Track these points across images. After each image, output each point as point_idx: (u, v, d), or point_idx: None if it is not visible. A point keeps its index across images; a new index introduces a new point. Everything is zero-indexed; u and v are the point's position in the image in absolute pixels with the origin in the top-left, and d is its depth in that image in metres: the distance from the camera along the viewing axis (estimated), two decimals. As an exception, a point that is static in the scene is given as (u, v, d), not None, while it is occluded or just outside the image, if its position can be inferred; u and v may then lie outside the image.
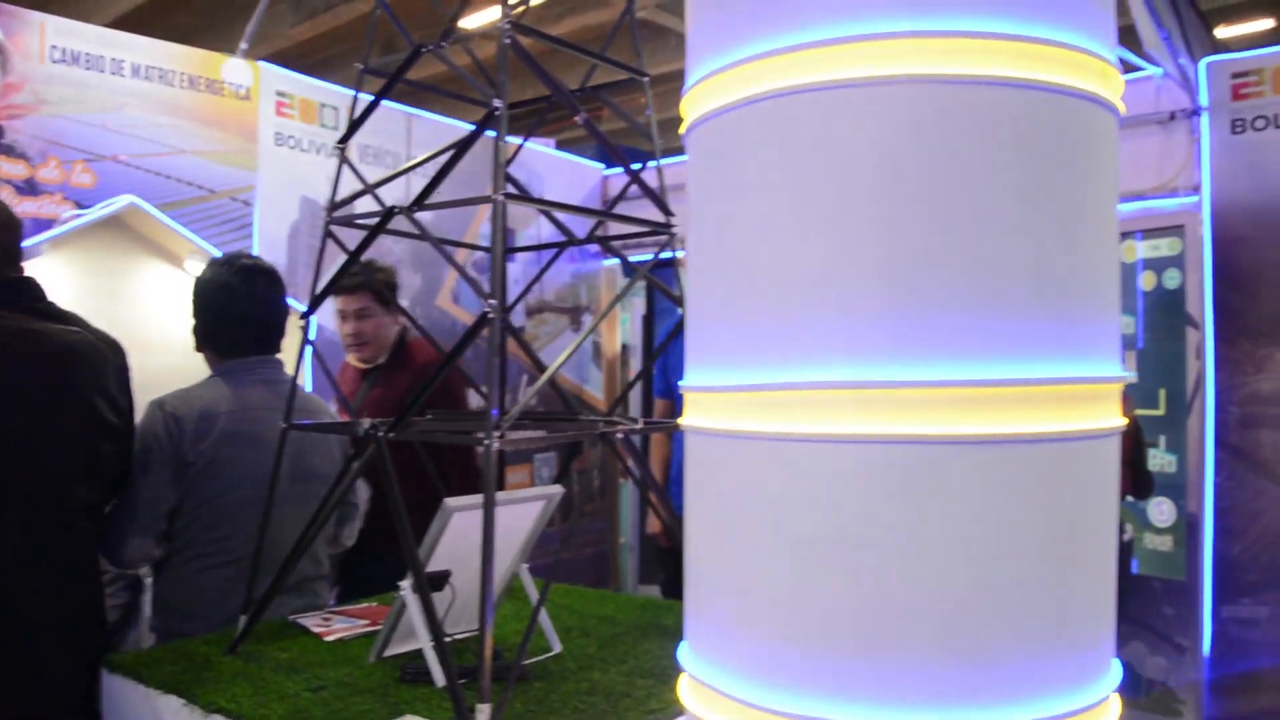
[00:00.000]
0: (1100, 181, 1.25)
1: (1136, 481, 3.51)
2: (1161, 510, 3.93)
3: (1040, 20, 1.18)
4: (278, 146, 3.79)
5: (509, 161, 2.20)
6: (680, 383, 1.32)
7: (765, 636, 1.19)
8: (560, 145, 5.06)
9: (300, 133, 3.88)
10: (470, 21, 8.45)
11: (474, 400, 4.15)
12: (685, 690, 1.32)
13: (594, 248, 4.90)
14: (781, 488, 1.17)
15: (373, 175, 3.07)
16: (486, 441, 1.49)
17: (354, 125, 1.91)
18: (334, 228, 1.95)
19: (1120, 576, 3.69)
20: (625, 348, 5.38)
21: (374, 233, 1.80)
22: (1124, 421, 1.29)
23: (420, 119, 4.20)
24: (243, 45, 3.60)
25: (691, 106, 1.31)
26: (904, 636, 1.12)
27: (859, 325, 1.13)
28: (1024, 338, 1.15)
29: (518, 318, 4.74)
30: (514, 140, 2.37)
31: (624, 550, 5.44)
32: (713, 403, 1.25)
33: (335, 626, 2.07)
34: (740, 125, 1.22)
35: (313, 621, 2.11)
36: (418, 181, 4.16)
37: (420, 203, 1.71)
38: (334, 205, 1.92)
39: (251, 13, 3.85)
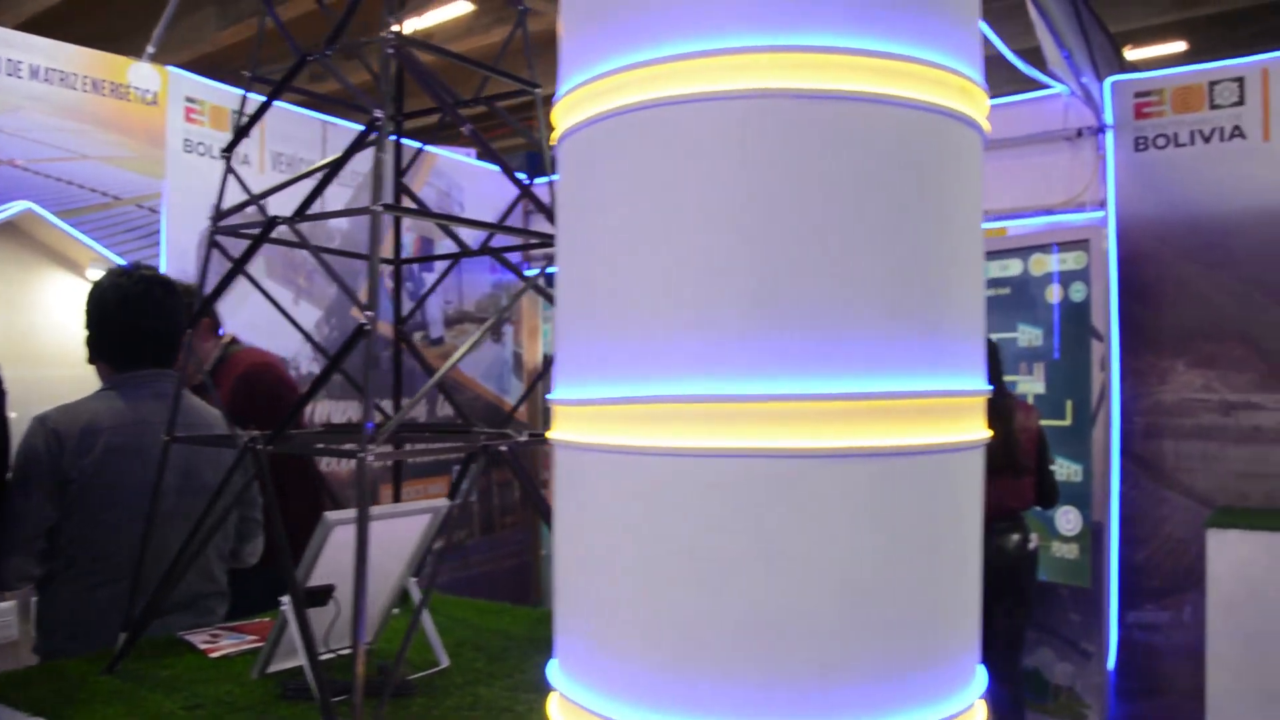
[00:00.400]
0: (962, 198, 1.26)
1: (1042, 491, 3.58)
2: (1068, 519, 4.01)
3: (900, 37, 1.19)
4: (187, 153, 3.72)
5: (404, 171, 2.19)
6: (548, 396, 1.32)
7: (626, 653, 1.18)
8: (482, 156, 5.04)
9: (211, 139, 3.81)
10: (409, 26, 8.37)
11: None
12: (555, 708, 1.31)
13: (516, 257, 4.88)
14: (641, 502, 1.16)
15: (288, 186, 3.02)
16: (360, 454, 1.47)
17: (239, 133, 1.88)
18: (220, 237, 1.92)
19: (1026, 585, 3.75)
20: (547, 359, 5.36)
21: (257, 242, 1.78)
22: (987, 434, 1.31)
23: (335, 127, 4.16)
24: (149, 49, 3.53)
25: (561, 118, 1.31)
26: (763, 652, 1.12)
27: (717, 339, 1.13)
28: (882, 352, 1.15)
29: (436, 329, 4.70)
30: (419, 145, 2.36)
31: (545, 562, 5.41)
32: (576, 416, 1.25)
33: (222, 643, 2.03)
34: (602, 138, 1.22)
35: (199, 638, 2.06)
36: (334, 191, 4.11)
37: (301, 213, 1.68)
38: (219, 214, 1.88)
39: (176, 16, 3.78)
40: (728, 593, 1.12)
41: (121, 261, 3.24)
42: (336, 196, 4.13)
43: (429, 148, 4.55)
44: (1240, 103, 3.86)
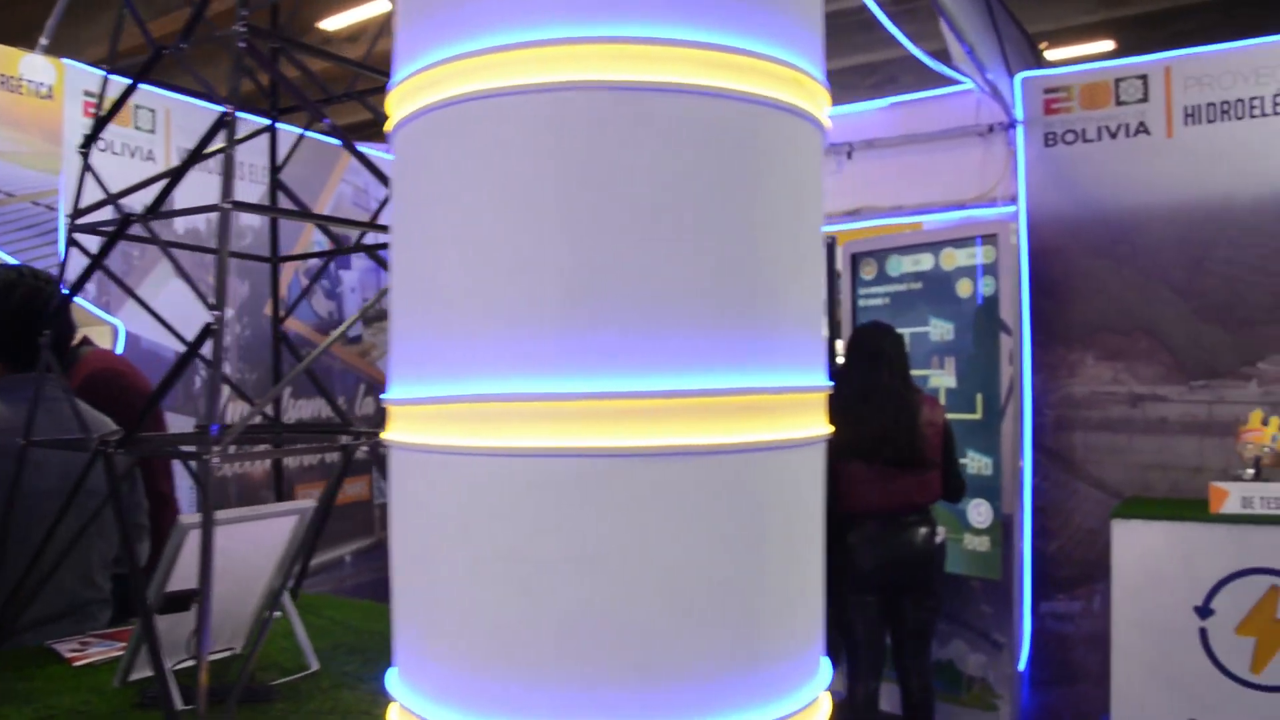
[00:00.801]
0: (797, 193, 1.25)
1: (948, 485, 3.58)
2: (979, 511, 4.05)
3: (727, 29, 1.17)
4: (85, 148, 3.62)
5: (281, 166, 2.15)
6: (381, 396, 1.29)
7: (452, 657, 1.16)
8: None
9: (112, 135, 3.71)
10: (331, 22, 8.28)
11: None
12: (394, 717, 1.29)
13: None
14: (464, 502, 1.14)
15: (195, 180, 2.95)
16: (206, 457, 1.44)
17: (97, 126, 1.83)
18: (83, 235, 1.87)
19: (935, 578, 3.75)
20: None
21: (112, 239, 1.73)
22: (827, 430, 1.30)
23: (243, 121, 4.07)
24: (42, 41, 3.44)
25: (393, 109, 1.28)
26: (583, 654, 1.10)
27: (534, 336, 1.11)
28: (706, 348, 1.14)
29: (354, 327, 4.64)
30: (301, 132, 2.31)
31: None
32: (406, 415, 1.22)
33: (90, 651, 1.98)
34: (427, 131, 1.20)
35: (67, 646, 2.01)
36: (243, 187, 4.03)
37: (155, 210, 1.64)
38: (78, 211, 1.84)
39: (103, 4, 3.67)
40: (548, 594, 1.10)
41: (14, 261, 3.16)
42: (248, 192, 4.05)
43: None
44: (1145, 99, 3.92)
